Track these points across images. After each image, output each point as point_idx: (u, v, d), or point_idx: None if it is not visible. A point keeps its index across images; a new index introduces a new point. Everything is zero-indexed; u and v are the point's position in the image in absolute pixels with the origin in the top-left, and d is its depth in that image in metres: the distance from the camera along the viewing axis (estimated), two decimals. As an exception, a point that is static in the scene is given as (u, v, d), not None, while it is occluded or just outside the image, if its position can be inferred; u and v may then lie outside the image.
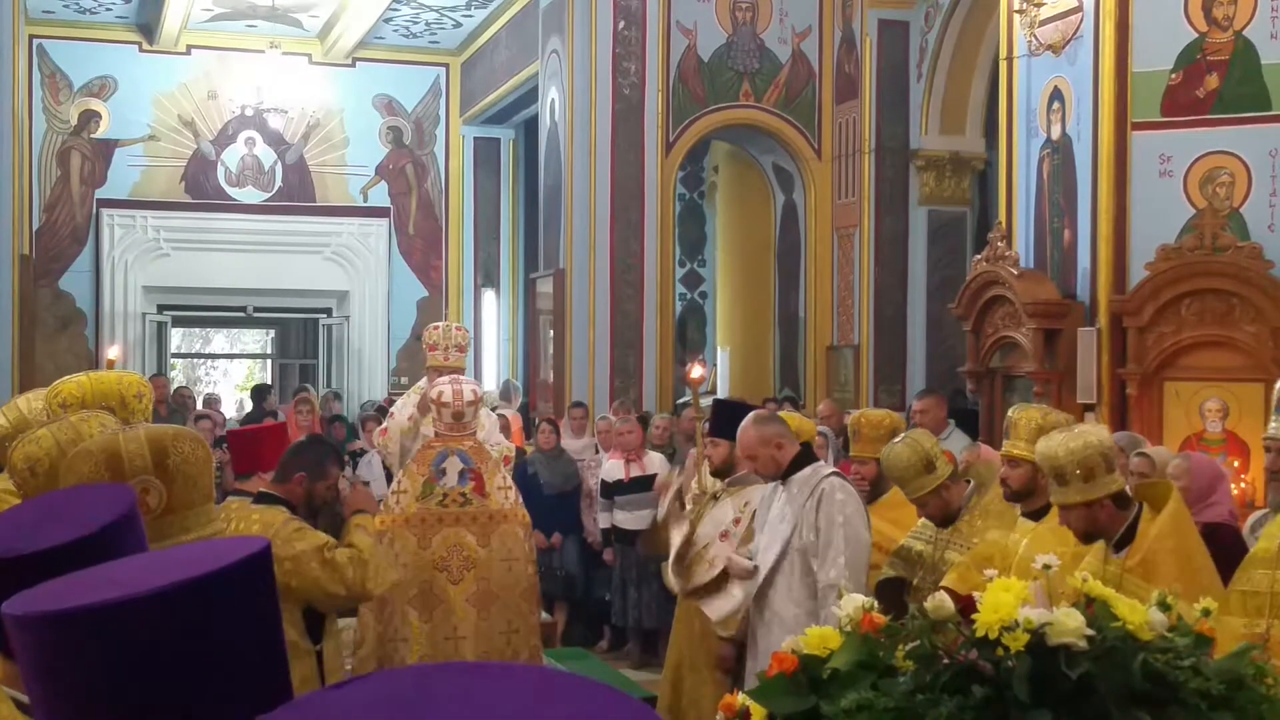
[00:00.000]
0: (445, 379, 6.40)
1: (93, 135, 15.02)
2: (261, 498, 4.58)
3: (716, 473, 5.56)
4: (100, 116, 15.03)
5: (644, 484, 8.97)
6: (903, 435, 5.06)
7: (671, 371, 12.32)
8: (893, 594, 4.80)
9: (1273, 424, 3.49)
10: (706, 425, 5.72)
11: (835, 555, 4.58)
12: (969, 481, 5.07)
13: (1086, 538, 3.89)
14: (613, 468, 9.09)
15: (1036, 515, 4.50)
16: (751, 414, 4.98)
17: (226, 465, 9.71)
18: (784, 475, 4.75)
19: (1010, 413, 4.69)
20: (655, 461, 9.10)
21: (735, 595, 4.97)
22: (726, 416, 5.55)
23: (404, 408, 7.30)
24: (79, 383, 3.76)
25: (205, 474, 2.48)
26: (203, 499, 2.47)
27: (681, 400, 12.55)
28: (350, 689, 0.95)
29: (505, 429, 9.50)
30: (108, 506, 1.61)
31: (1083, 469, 3.80)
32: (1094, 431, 3.96)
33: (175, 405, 12.21)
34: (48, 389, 3.91)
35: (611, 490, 9.04)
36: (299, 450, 4.73)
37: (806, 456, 4.80)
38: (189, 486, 2.42)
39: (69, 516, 1.61)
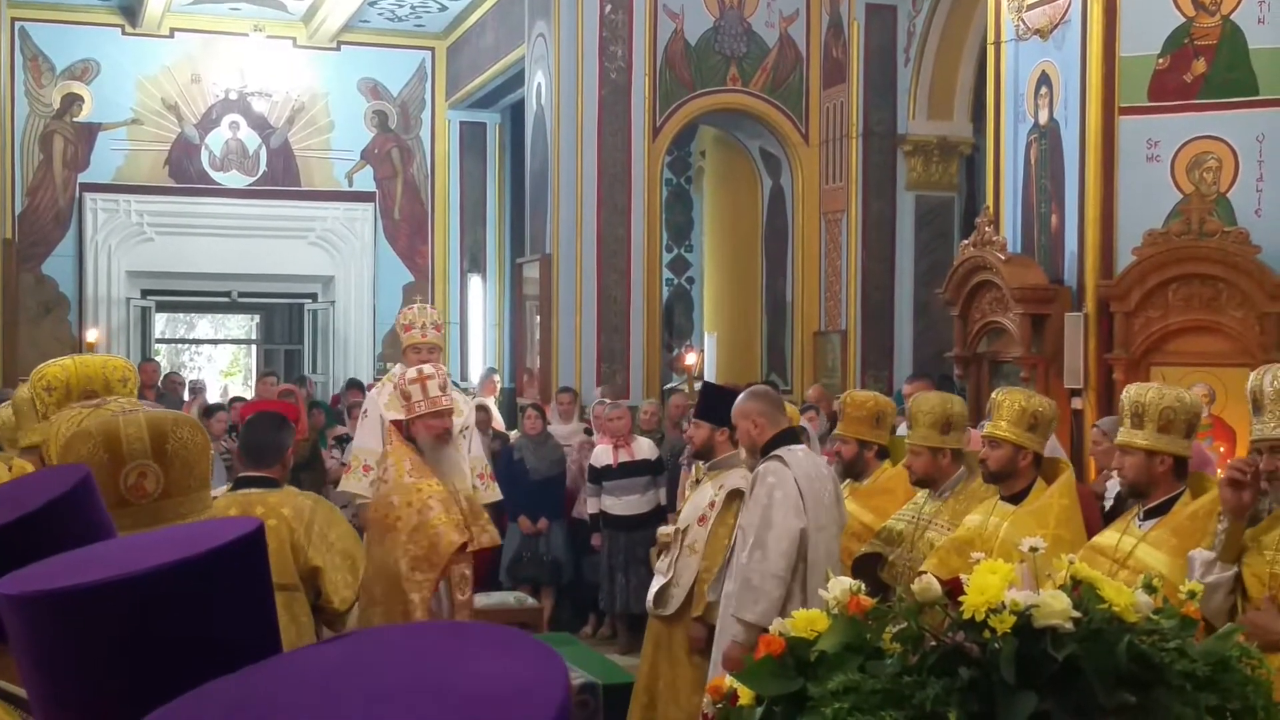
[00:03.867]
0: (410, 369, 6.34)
1: (75, 118, 14.93)
2: (250, 482, 4.58)
3: (698, 454, 5.58)
4: (83, 100, 14.93)
5: (632, 469, 8.98)
6: (946, 394, 5.17)
7: (659, 357, 12.31)
8: (868, 569, 4.85)
9: (1255, 426, 3.48)
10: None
11: (748, 536, 4.65)
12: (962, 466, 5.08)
13: (1132, 489, 3.90)
14: (601, 453, 9.09)
15: (1016, 499, 4.51)
16: (753, 387, 5.24)
17: (236, 453, 9.75)
18: (761, 454, 4.82)
19: (995, 394, 4.70)
20: (644, 447, 9.11)
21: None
22: (713, 400, 5.54)
23: (377, 401, 7.10)
24: (63, 366, 3.72)
25: (202, 460, 2.47)
26: (199, 485, 2.47)
27: (669, 385, 12.55)
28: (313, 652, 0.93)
29: (486, 423, 9.48)
30: (48, 488, 1.58)
31: (1163, 418, 3.82)
32: (1189, 394, 4.02)
33: (164, 390, 12.17)
34: (32, 376, 3.87)
35: (600, 475, 9.04)
36: (278, 428, 4.77)
37: (781, 441, 4.81)
38: (186, 472, 2.41)
39: (17, 499, 1.59)
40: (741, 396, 5.00)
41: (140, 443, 2.38)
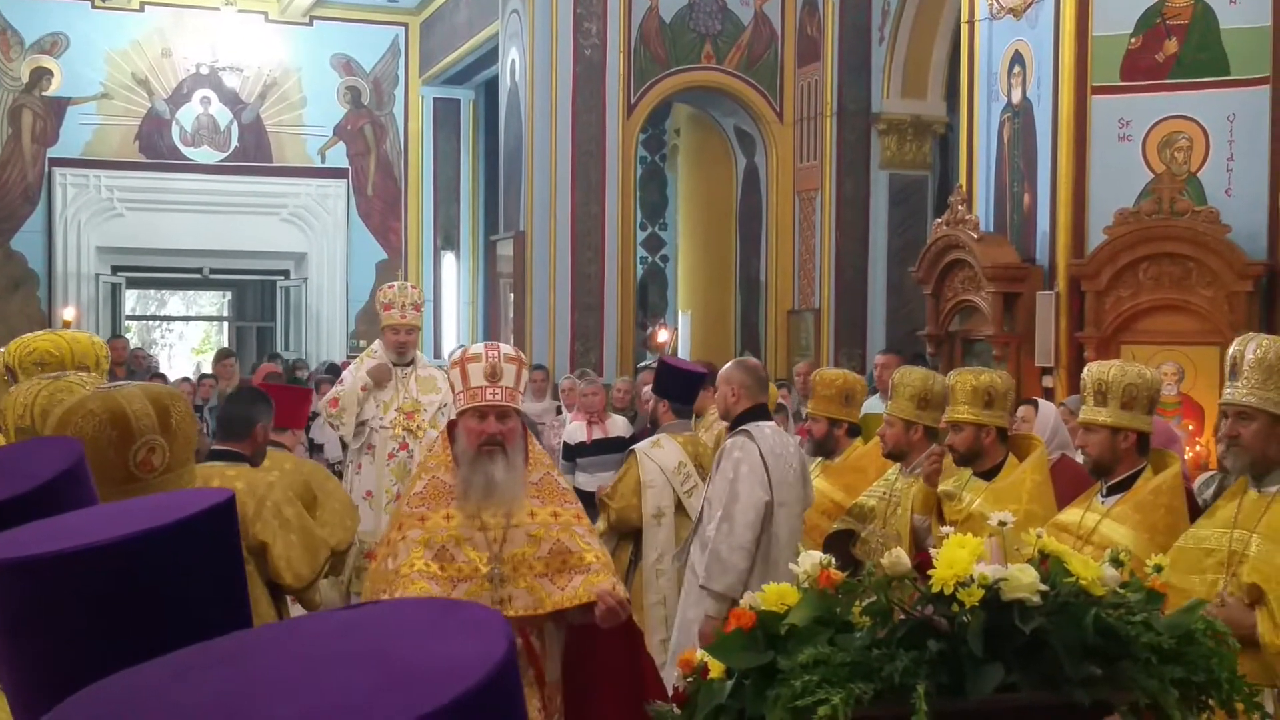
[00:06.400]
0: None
1: (44, 93, 14.77)
2: (218, 456, 4.58)
3: (650, 423, 5.74)
4: (52, 74, 14.78)
5: (606, 446, 8.98)
6: (930, 371, 5.23)
7: (632, 335, 12.32)
8: (840, 546, 4.89)
9: (1227, 390, 3.51)
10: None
11: (716, 509, 4.74)
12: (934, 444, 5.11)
13: (1097, 466, 3.92)
14: (575, 429, 9.09)
15: (988, 476, 4.54)
16: (741, 359, 5.30)
17: (203, 432, 9.77)
18: (731, 426, 4.92)
19: (948, 379, 4.72)
20: (618, 424, 9.11)
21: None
22: (661, 374, 5.78)
23: (355, 373, 7.12)
24: (55, 342, 3.69)
25: (194, 431, 2.51)
26: (192, 456, 2.50)
27: (643, 364, 12.56)
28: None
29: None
30: (52, 461, 1.58)
31: (1126, 395, 3.85)
32: (1149, 370, 4.04)
33: (134, 368, 12.09)
34: (12, 348, 3.81)
35: (573, 452, 9.05)
36: (251, 403, 4.74)
37: (751, 416, 4.89)
38: (186, 445, 2.44)
39: (14, 472, 1.58)
40: (730, 364, 5.13)
41: (148, 418, 2.39)
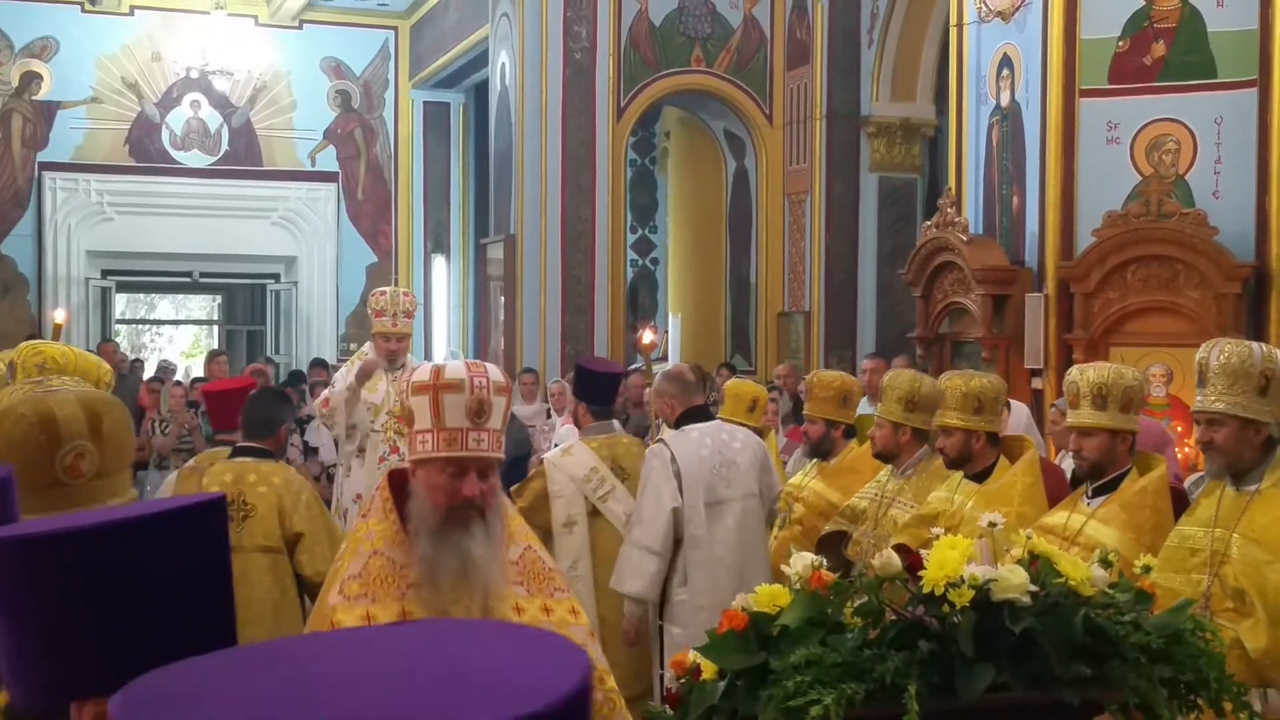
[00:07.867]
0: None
1: (34, 97, 14.74)
2: (247, 452, 4.77)
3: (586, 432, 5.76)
4: (42, 78, 14.75)
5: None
6: (919, 373, 5.29)
7: (623, 337, 12.32)
8: (832, 546, 4.92)
9: (1197, 398, 3.54)
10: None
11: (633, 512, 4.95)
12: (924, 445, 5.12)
13: (1094, 469, 3.94)
14: (567, 433, 9.09)
15: (979, 478, 4.55)
16: (668, 369, 5.53)
17: (196, 430, 9.76)
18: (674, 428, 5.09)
19: (938, 382, 4.74)
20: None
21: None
22: (578, 378, 5.84)
23: (345, 377, 7.12)
24: (63, 352, 3.73)
25: (130, 440, 2.49)
26: (125, 464, 2.49)
27: (633, 366, 12.57)
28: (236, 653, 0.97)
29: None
30: None
31: (1125, 397, 3.88)
32: (1139, 372, 4.12)
33: (125, 373, 12.08)
34: (22, 347, 3.85)
35: (564, 455, 9.05)
36: (276, 404, 4.92)
37: (689, 418, 5.03)
38: (117, 453, 2.41)
39: None
40: (658, 378, 5.32)
41: (78, 423, 2.36)
